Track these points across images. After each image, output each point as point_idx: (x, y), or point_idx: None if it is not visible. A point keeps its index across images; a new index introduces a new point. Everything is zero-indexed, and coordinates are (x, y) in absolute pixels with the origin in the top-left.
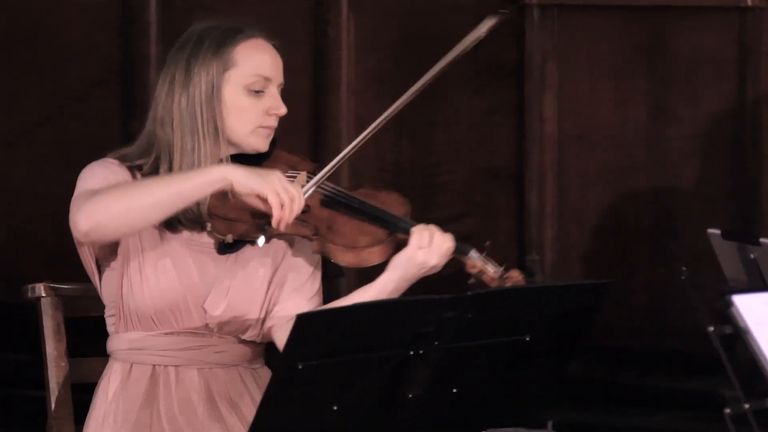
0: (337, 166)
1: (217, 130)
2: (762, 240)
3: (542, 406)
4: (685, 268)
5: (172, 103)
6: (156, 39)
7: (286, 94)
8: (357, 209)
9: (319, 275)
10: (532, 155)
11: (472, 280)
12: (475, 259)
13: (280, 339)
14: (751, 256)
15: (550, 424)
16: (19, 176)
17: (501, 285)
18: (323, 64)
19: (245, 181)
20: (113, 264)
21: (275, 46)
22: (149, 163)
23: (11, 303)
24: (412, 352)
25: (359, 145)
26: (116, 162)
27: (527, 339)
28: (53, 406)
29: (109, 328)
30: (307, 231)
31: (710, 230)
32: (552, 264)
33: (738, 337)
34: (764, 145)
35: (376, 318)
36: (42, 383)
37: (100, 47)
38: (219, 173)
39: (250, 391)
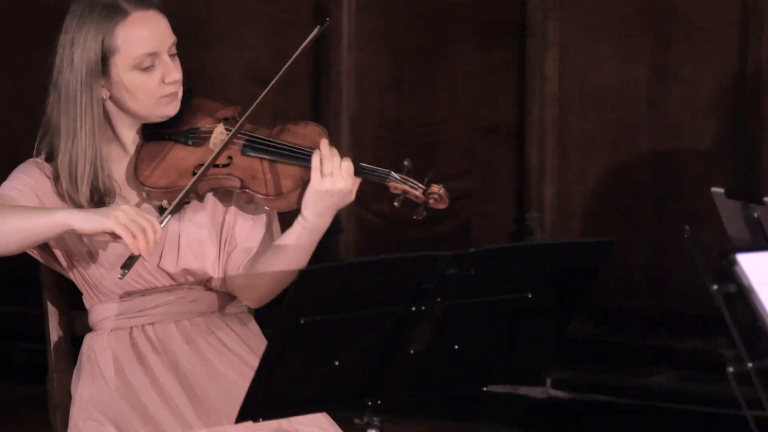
0: (234, 133)
1: (95, 118)
2: (766, 199)
3: (543, 363)
4: (687, 227)
5: (57, 87)
6: None
7: (287, 51)
8: (276, 152)
9: (266, 221)
10: (533, 113)
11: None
12: (396, 181)
13: (235, 290)
14: (755, 214)
15: (548, 382)
16: (25, 141)
17: (426, 201)
18: (324, 20)
19: (86, 224)
20: (64, 252)
21: (156, 6)
22: (47, 146)
23: (12, 256)
24: (414, 309)
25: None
26: (41, 162)
27: (529, 296)
28: (53, 358)
29: (86, 305)
30: (234, 183)
31: (714, 189)
32: (551, 222)
33: (738, 297)
34: (765, 105)
35: (379, 274)
36: (43, 336)
37: None
38: (59, 218)
39: (234, 330)
